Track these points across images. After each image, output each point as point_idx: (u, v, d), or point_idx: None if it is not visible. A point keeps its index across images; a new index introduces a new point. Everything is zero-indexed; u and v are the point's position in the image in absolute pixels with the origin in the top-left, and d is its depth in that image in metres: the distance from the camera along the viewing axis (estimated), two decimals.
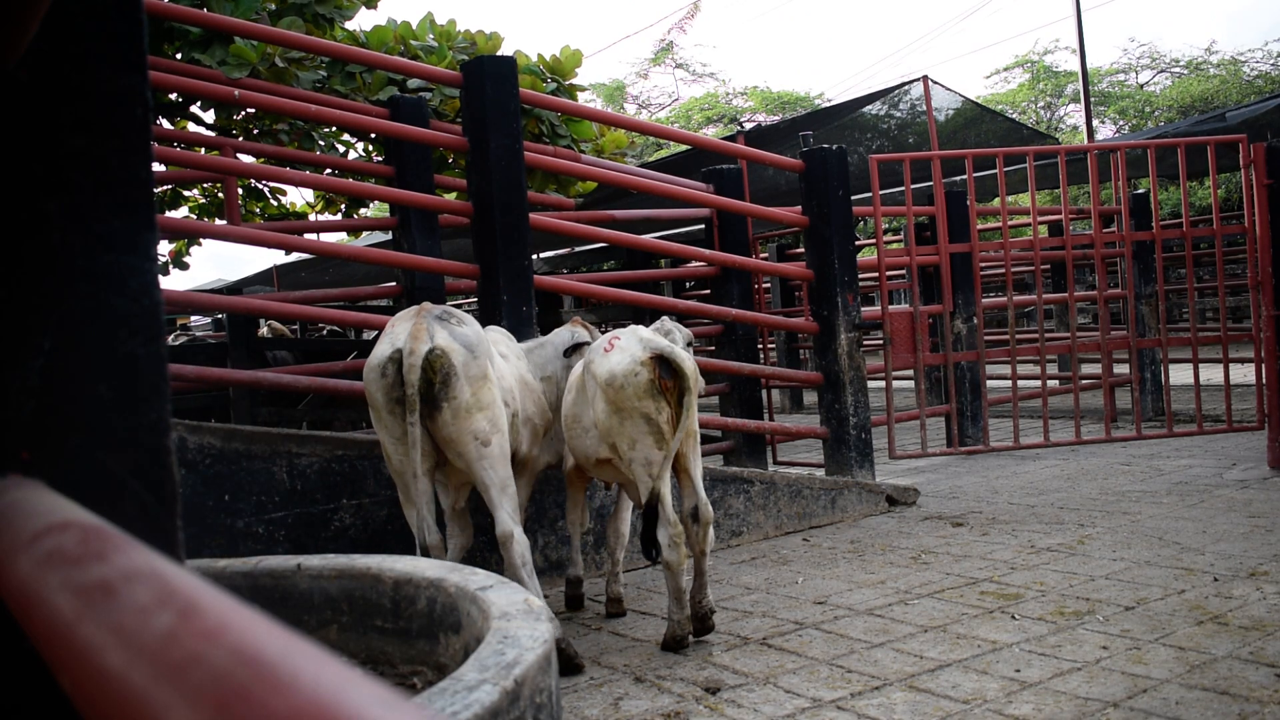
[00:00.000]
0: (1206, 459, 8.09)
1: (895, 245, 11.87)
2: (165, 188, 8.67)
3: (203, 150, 7.00)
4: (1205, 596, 4.45)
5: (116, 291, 1.29)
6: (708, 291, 9.88)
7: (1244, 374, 11.36)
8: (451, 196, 7.36)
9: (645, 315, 10.35)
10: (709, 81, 40.89)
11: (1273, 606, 4.24)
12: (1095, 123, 30.34)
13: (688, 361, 4.16)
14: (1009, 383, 9.02)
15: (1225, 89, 30.22)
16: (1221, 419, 9.00)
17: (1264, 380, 7.70)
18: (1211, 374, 10.88)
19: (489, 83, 5.77)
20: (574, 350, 5.25)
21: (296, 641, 0.48)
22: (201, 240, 9.87)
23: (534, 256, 13.26)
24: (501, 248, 5.74)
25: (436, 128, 6.96)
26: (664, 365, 4.14)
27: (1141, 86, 35.65)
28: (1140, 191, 11.04)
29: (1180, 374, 11.20)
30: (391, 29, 7.63)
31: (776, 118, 33.46)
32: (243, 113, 7.63)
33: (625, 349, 4.22)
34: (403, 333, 4.05)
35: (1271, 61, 31.80)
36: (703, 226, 8.11)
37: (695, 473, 4.31)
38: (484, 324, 5.82)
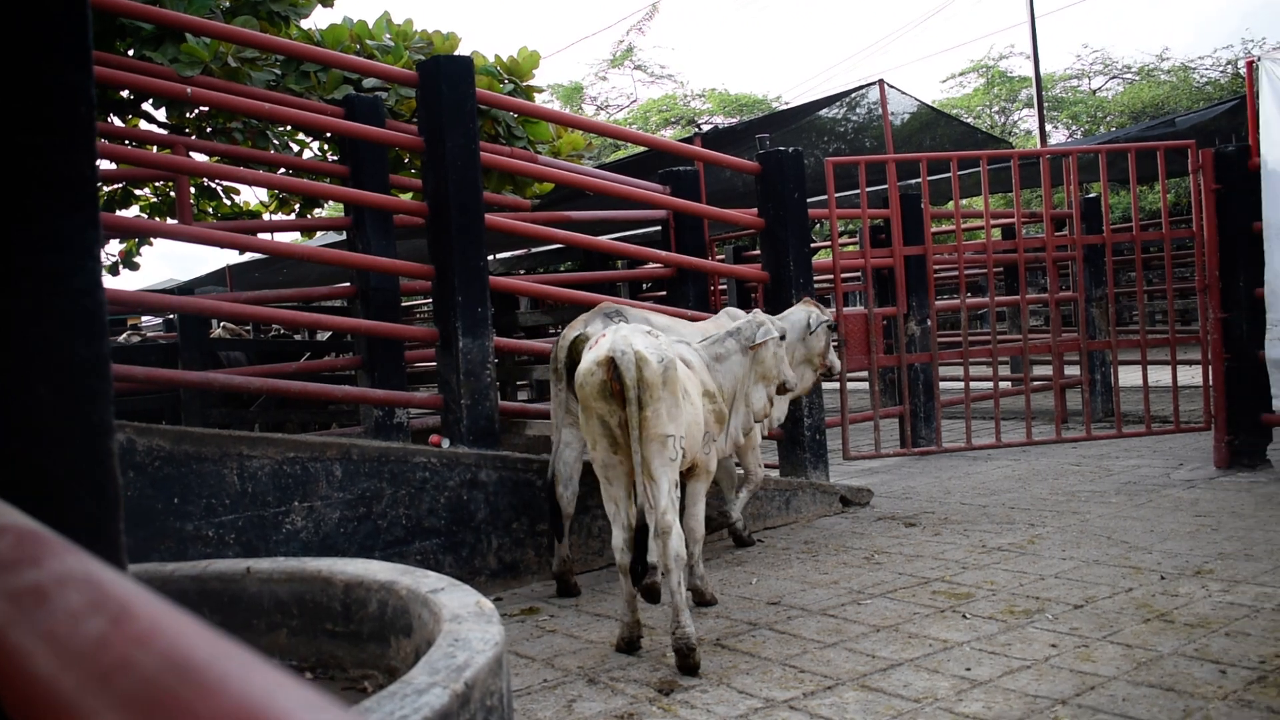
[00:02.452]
0: (1155, 459, 8.19)
1: (850, 248, 11.93)
2: (116, 186, 8.56)
3: (154, 148, 6.92)
4: (1152, 595, 4.51)
5: (58, 291, 1.27)
6: (664, 293, 9.87)
7: (1192, 376, 11.53)
8: (407, 197, 7.32)
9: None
10: (667, 83, 40.97)
11: (1218, 604, 4.30)
12: (1048, 128, 30.68)
13: (629, 370, 4.01)
14: (962, 384, 9.11)
15: (1176, 95, 30.63)
16: (1169, 420, 9.11)
17: (1211, 382, 7.81)
18: (1160, 376, 11.02)
19: (445, 83, 5.74)
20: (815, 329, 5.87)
21: (227, 645, 0.47)
22: (153, 239, 9.77)
23: (490, 257, 13.22)
24: (457, 248, 5.72)
25: (392, 127, 6.92)
26: (617, 369, 4.07)
27: (1094, 92, 36.07)
28: (1091, 196, 11.18)
29: (1129, 375, 11.34)
30: (347, 27, 7.57)
31: (734, 120, 33.54)
32: (195, 111, 7.55)
33: (599, 346, 4.18)
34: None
35: (1221, 69, 32.27)
36: (659, 228, 8.11)
37: (659, 479, 4.09)
38: (438, 326, 5.81)
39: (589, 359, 4.16)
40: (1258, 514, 6.01)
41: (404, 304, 10.24)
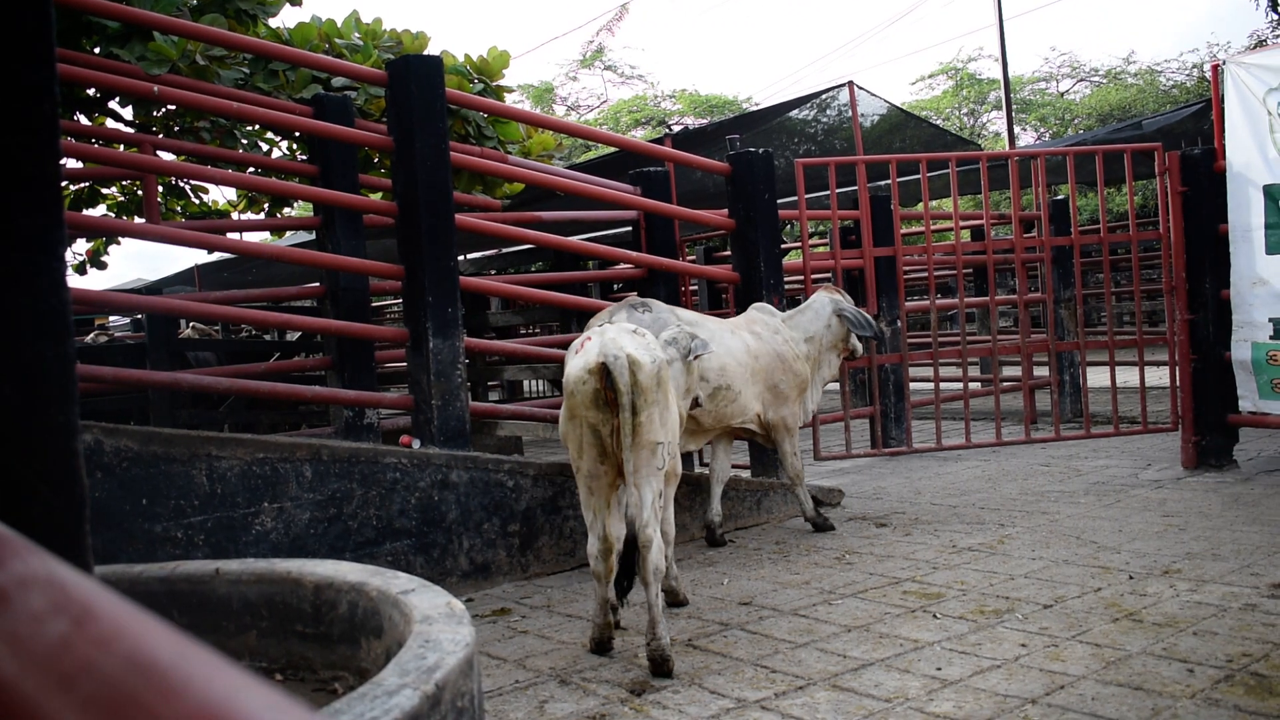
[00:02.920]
0: (1123, 459, 8.25)
1: (820, 249, 11.97)
2: (83, 185, 8.48)
3: (121, 147, 6.86)
4: (1121, 594, 4.54)
5: (23, 291, 1.26)
6: (634, 294, 9.87)
7: (1159, 376, 11.62)
8: (377, 196, 7.29)
9: (572, 317, 10.34)
10: (638, 84, 41.03)
11: (1185, 603, 4.34)
12: (1017, 130, 30.88)
13: (623, 375, 3.93)
14: (932, 385, 9.15)
15: (1142, 98, 30.90)
16: (1137, 420, 9.18)
17: (1178, 383, 7.87)
18: (1128, 376, 11.10)
19: (415, 82, 5.72)
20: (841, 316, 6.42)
21: (191, 647, 0.47)
22: (120, 239, 9.68)
23: (461, 257, 13.19)
24: (427, 248, 5.70)
25: (362, 127, 6.89)
26: (610, 375, 3.97)
27: (1062, 95, 36.35)
28: (1060, 198, 11.25)
29: (1098, 376, 11.41)
30: (316, 26, 7.53)
31: (704, 121, 33.61)
32: (163, 109, 7.49)
33: (587, 351, 4.08)
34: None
35: (1187, 72, 32.59)
36: (630, 228, 8.11)
37: (643, 490, 4.04)
38: (408, 326, 5.79)
39: (578, 365, 4.06)
40: (1224, 514, 6.07)
41: (374, 304, 10.19)
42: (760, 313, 6.43)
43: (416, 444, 5.60)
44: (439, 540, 5.29)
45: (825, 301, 6.51)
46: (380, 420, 6.83)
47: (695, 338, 4.83)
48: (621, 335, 4.14)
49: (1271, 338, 7.04)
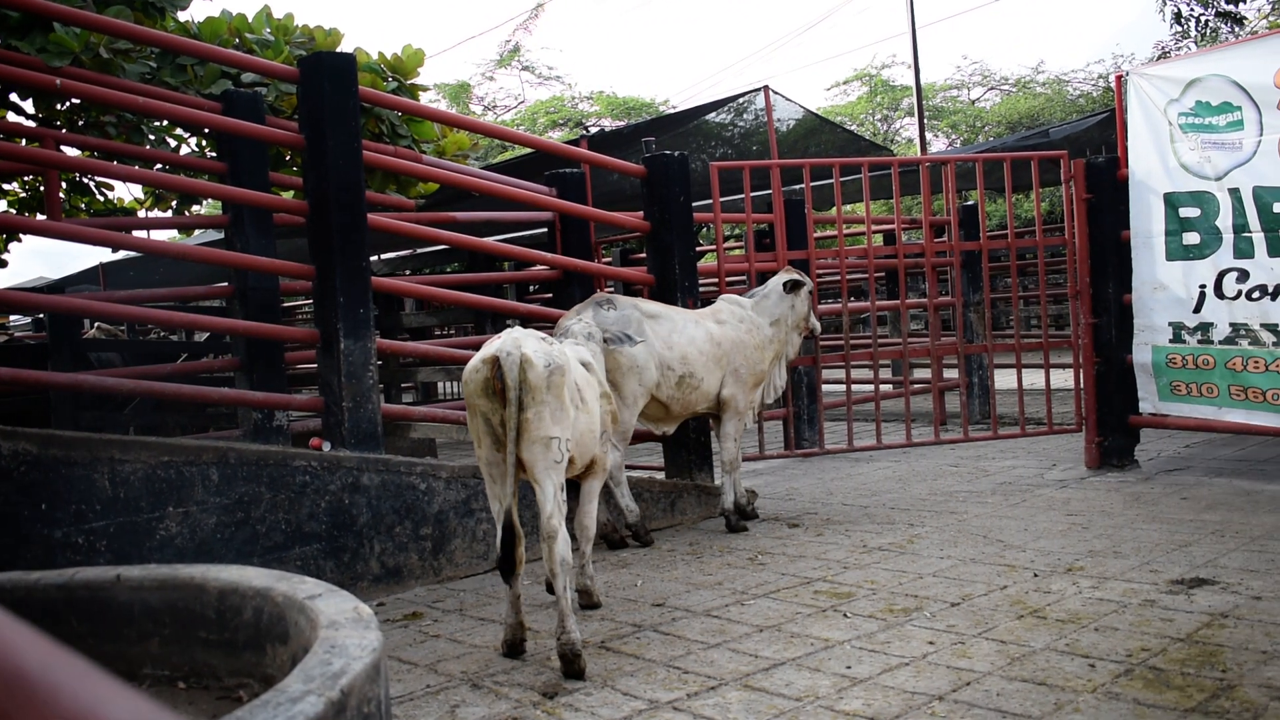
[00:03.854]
0: (1029, 460, 8.42)
1: (736, 252, 12.05)
2: None
3: (23, 141, 6.68)
4: (1026, 592, 4.63)
5: None
6: (550, 295, 9.85)
7: (1064, 379, 11.85)
8: (288, 195, 7.18)
9: (487, 319, 10.28)
10: (555, 85, 40.96)
11: (1088, 600, 4.44)
12: (929, 136, 31.37)
13: (512, 371, 4.06)
14: (844, 387, 9.24)
15: (1050, 107, 31.57)
16: (1043, 422, 9.36)
17: (1082, 385, 8.04)
18: (1034, 379, 11.31)
19: (327, 79, 5.64)
20: (792, 287, 6.69)
21: (61, 656, 0.45)
22: (21, 236, 9.42)
23: (374, 258, 13.06)
24: (339, 248, 5.63)
25: (272, 124, 6.78)
26: (500, 369, 4.11)
27: (973, 102, 37.00)
28: (969, 203, 11.44)
29: (1005, 379, 11.64)
30: (226, 21, 7.40)
31: (621, 123, 33.63)
32: (66, 103, 7.30)
33: (487, 346, 4.25)
34: None
35: (1093, 82, 33.36)
36: (545, 230, 8.08)
37: (544, 483, 4.15)
38: (319, 327, 5.71)
39: (476, 357, 4.22)
40: (1126, 513, 6.22)
41: (284, 305, 10.05)
42: (727, 303, 6.70)
43: (327, 447, 5.52)
44: (350, 544, 5.23)
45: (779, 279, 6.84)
46: (290, 423, 6.74)
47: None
48: (528, 337, 4.26)
49: (1171, 341, 7.23)
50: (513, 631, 4.22)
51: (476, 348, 7.55)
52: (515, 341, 4.17)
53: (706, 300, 7.28)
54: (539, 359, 4.14)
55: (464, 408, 6.70)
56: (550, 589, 4.26)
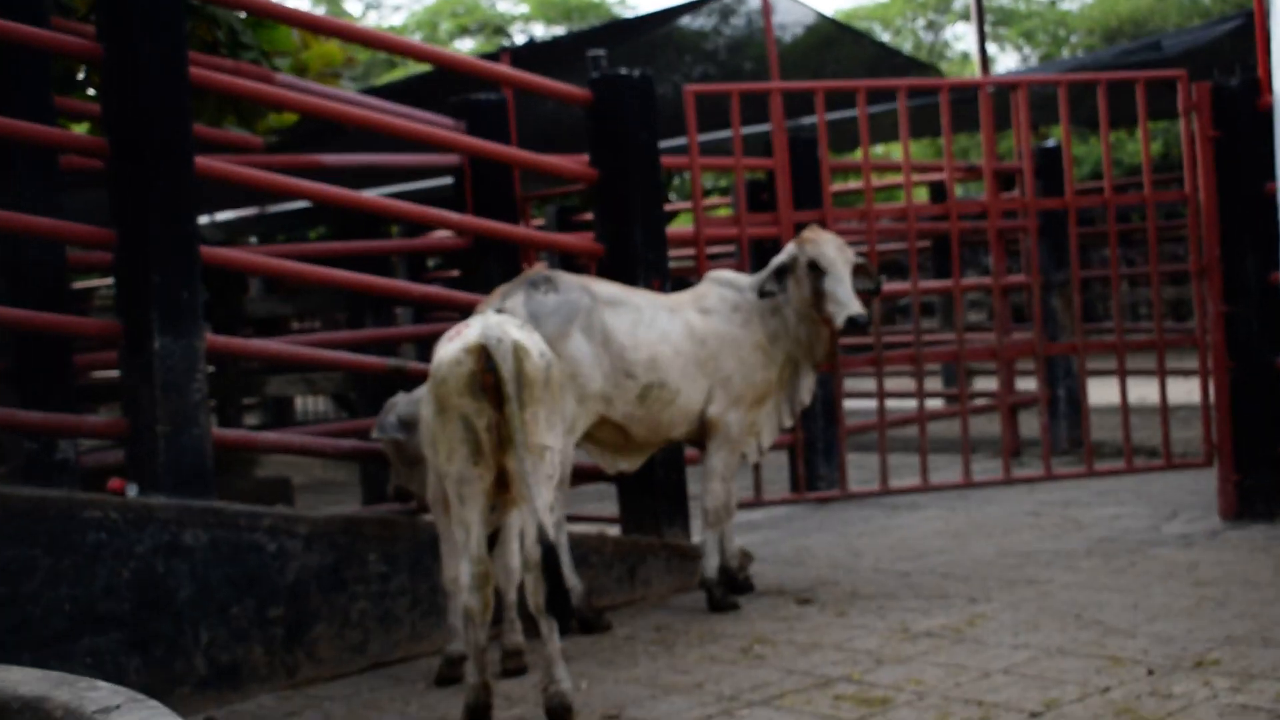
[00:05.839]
0: (1138, 507, 8.43)
1: (721, 211, 12.03)
2: None
3: None
4: (1137, 695, 4.62)
5: None
6: (457, 272, 9.79)
7: (1187, 391, 11.88)
8: (80, 129, 7.11)
9: (367, 306, 10.21)
10: None
11: (1226, 707, 4.42)
12: (992, 49, 31.55)
13: (506, 361, 4.40)
14: (873, 403, 9.23)
15: (1162, 9, 31.76)
16: (1157, 452, 9.38)
17: (1212, 400, 8.04)
18: (1144, 391, 11.37)
19: None
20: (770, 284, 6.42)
21: None
22: None
23: (203, 219, 12.96)
24: (154, 205, 5.57)
25: (59, 28, 6.70)
26: (491, 359, 4.43)
27: (1053, 3, 37.25)
28: (1050, 144, 11.46)
29: (1102, 390, 11.66)
30: None
31: (559, 29, 33.66)
32: None
33: (466, 334, 4.55)
34: None
35: None
36: (451, 180, 8.04)
37: (537, 501, 4.45)
38: (123, 318, 5.63)
39: (454, 347, 4.53)
40: (1278, 581, 6.22)
41: (75, 285, 9.94)
42: (716, 284, 6.64)
43: (132, 490, 5.46)
44: (164, 631, 5.16)
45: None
46: (80, 455, 6.66)
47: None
48: (509, 323, 4.66)
49: None
50: (477, 694, 4.54)
51: (352, 346, 7.52)
52: (500, 327, 4.51)
53: (683, 282, 7.25)
54: (533, 348, 4.55)
55: (339, 430, 6.80)
56: (561, 611, 4.57)
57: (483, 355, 4.43)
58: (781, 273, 6.45)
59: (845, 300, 6.33)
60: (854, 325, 6.40)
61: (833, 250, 6.45)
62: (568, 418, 5.85)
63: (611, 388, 6.01)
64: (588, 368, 5.93)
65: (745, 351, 6.41)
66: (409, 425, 5.67)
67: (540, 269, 6.29)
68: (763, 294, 6.41)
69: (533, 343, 4.61)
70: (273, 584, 5.44)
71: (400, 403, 5.92)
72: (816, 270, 6.40)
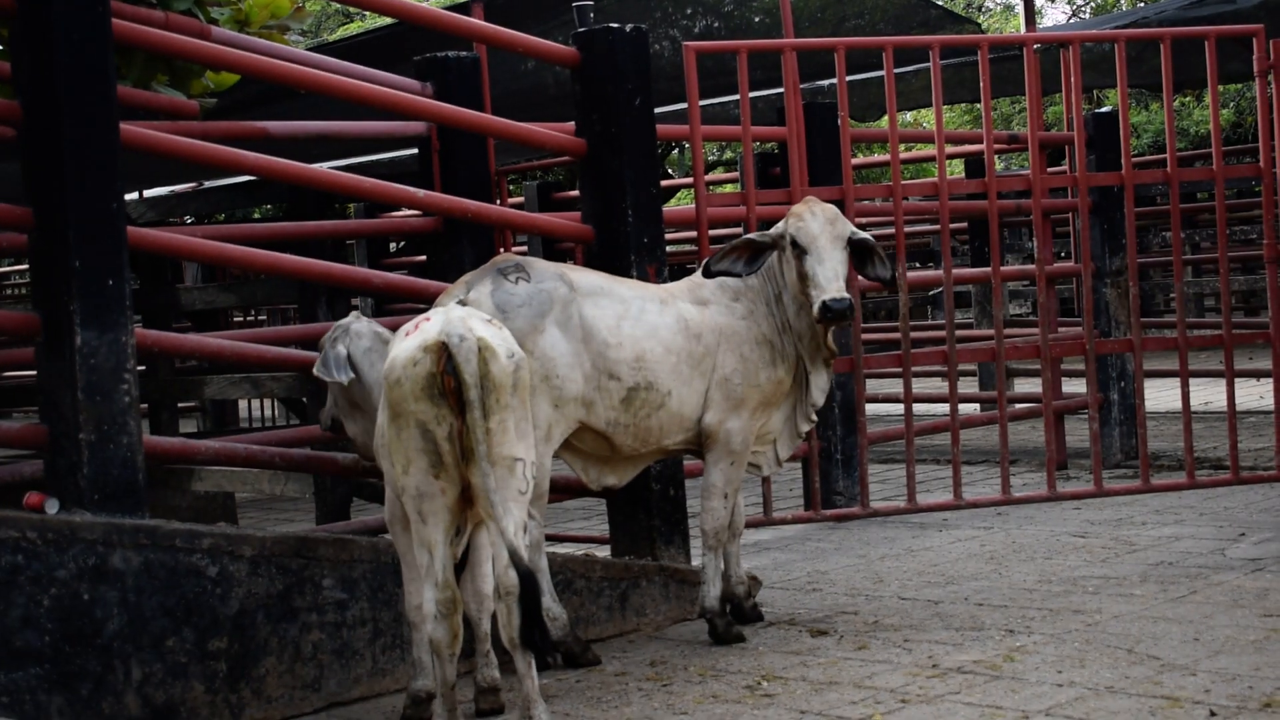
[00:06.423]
0: (1201, 526, 8.44)
1: (727, 187, 12.05)
2: None
3: None
4: None
5: None
6: (424, 258, 9.82)
7: (1259, 395, 11.90)
8: None
9: (320, 296, 10.22)
10: None
11: None
12: (1039, 0, 31.54)
13: (469, 361, 4.41)
14: (900, 408, 9.24)
15: None
16: (1224, 465, 9.39)
17: None
18: (1210, 394, 11.38)
19: None
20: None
21: None
22: None
23: (130, 196, 12.96)
24: (72, 179, 5.57)
25: None
26: (452, 359, 4.43)
27: None
28: (1104, 110, 11.47)
29: (1162, 394, 11.67)
30: None
31: None
32: None
33: (425, 328, 4.57)
34: None
35: None
36: (416, 151, 8.05)
37: (504, 521, 4.46)
38: (39, 309, 5.66)
39: (410, 344, 4.53)
40: None
41: None
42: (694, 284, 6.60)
43: (53, 507, 5.48)
44: (91, 667, 5.18)
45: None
46: None
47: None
48: (473, 317, 4.66)
49: None
50: None
51: (303, 342, 7.53)
52: (463, 323, 4.52)
53: (682, 270, 7.26)
54: (501, 347, 4.56)
55: (287, 439, 6.79)
56: (540, 645, 4.61)
57: (443, 354, 4.43)
58: (759, 251, 6.37)
59: (824, 283, 6.15)
60: (829, 314, 6.13)
61: (817, 226, 6.27)
62: (542, 424, 5.86)
63: (592, 390, 6.01)
64: (565, 368, 5.93)
65: (747, 347, 6.37)
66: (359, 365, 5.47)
67: (511, 255, 6.26)
68: (709, 273, 6.35)
69: (500, 340, 4.63)
70: (214, 613, 5.46)
71: (354, 331, 5.65)
72: (798, 249, 6.28)
